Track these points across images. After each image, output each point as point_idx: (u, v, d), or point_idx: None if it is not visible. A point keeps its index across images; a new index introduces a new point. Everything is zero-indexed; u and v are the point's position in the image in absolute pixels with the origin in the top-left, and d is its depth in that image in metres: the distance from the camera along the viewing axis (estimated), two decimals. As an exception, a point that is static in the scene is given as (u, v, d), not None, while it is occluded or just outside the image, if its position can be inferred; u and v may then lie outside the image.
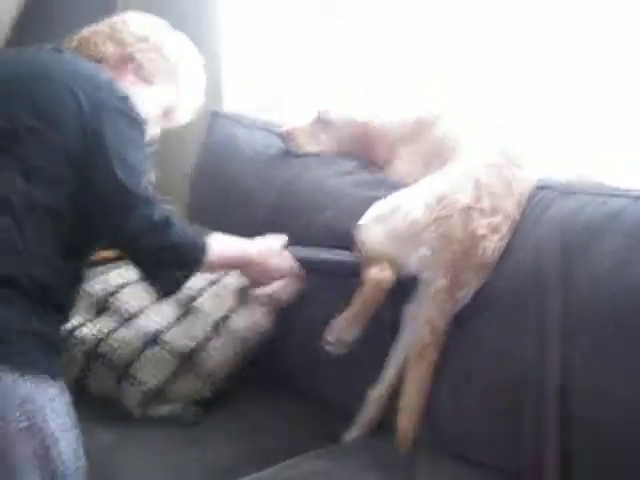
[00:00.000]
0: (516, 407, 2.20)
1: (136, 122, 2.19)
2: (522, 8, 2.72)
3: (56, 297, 2.11)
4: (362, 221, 2.42)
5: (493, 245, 2.26)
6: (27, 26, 3.52)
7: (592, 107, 2.65)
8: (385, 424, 2.39)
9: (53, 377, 2.05)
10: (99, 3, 3.33)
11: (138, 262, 2.25)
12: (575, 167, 2.70)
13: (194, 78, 2.50)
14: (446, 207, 2.28)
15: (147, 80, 2.39)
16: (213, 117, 3.13)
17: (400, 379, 2.35)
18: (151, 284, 2.29)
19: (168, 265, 2.20)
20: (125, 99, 2.18)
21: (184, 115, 2.51)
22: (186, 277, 2.24)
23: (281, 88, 3.42)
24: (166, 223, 2.17)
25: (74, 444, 2.06)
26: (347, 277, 2.42)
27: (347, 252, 2.43)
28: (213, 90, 3.46)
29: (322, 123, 2.77)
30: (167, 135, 2.53)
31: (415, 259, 2.32)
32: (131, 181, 2.12)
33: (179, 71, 2.43)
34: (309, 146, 2.79)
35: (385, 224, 2.37)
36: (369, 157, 2.72)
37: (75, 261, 2.18)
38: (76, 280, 2.23)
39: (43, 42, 2.32)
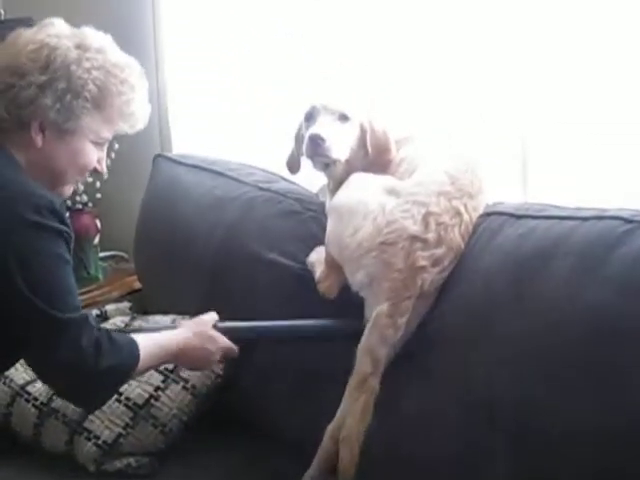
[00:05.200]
0: (471, 439, 2.18)
1: (60, 233, 2.04)
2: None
3: None
4: (329, 206, 2.46)
5: (432, 277, 2.27)
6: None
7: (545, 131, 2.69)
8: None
9: None
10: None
11: (65, 388, 2.14)
12: (527, 192, 2.72)
13: (130, 89, 2.22)
14: (393, 233, 2.27)
15: (62, 130, 2.15)
16: (156, 160, 3.09)
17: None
18: (75, 404, 2.26)
19: (98, 389, 2.13)
20: (45, 208, 2.01)
21: (134, 126, 2.28)
22: (114, 394, 2.22)
23: (229, 128, 3.39)
24: (96, 348, 2.06)
25: None
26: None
27: (281, 321, 2.43)
28: (160, 134, 3.47)
29: (342, 122, 2.50)
30: (110, 182, 2.48)
31: (355, 280, 2.34)
32: (54, 305, 2.01)
33: (108, 96, 2.17)
34: (340, 152, 2.49)
35: (339, 224, 2.38)
36: (381, 161, 2.53)
37: None
38: None
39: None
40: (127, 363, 2.13)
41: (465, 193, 2.34)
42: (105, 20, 3.48)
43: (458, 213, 2.31)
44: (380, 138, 2.51)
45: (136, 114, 2.26)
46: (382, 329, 2.24)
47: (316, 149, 2.46)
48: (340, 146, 2.48)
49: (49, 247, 2.02)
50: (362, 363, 2.25)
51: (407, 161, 2.48)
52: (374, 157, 2.51)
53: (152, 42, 3.45)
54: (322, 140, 2.45)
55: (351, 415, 2.25)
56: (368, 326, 2.27)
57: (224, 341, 2.33)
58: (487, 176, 2.44)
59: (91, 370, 2.05)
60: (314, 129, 2.46)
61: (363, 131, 2.51)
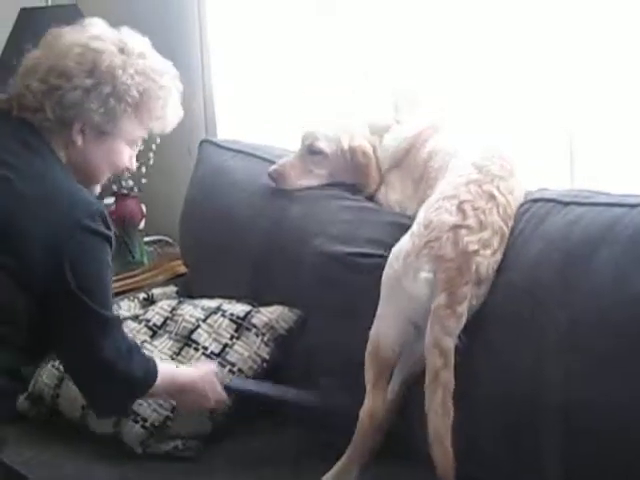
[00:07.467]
0: (518, 425, 2.20)
1: (107, 238, 2.11)
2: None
3: None
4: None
5: (487, 261, 2.25)
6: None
7: (587, 115, 2.66)
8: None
9: None
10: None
11: (96, 387, 2.21)
12: (572, 177, 2.70)
13: (167, 93, 2.26)
14: (434, 230, 2.27)
15: (101, 132, 2.20)
16: (202, 146, 3.11)
17: (396, 401, 2.38)
18: (96, 406, 2.31)
19: (123, 394, 2.23)
20: (96, 214, 2.09)
21: (165, 128, 2.33)
22: (128, 407, 2.34)
23: (273, 112, 3.40)
24: (131, 352, 2.19)
25: None
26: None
27: (287, 388, 2.49)
28: (206, 119, 3.48)
29: (311, 155, 2.74)
30: (155, 167, 2.50)
31: (419, 283, 2.27)
32: (103, 305, 2.11)
33: (147, 101, 2.22)
34: (301, 181, 2.76)
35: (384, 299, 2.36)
36: (361, 183, 2.71)
37: None
38: None
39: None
40: (149, 378, 2.24)
41: (495, 176, 2.33)
42: (151, 3, 3.54)
43: (492, 196, 2.30)
44: (361, 165, 2.69)
45: (168, 116, 2.30)
46: (443, 321, 2.21)
47: (274, 183, 2.78)
48: (297, 177, 2.76)
49: (99, 252, 2.11)
50: (432, 357, 2.22)
51: (439, 155, 2.49)
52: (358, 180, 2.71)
53: (197, 27, 3.46)
54: (273, 180, 2.78)
55: (433, 412, 2.21)
56: (429, 321, 2.24)
57: (221, 391, 2.42)
58: (520, 159, 2.43)
59: (124, 373, 2.16)
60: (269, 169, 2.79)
61: (345, 158, 2.70)
